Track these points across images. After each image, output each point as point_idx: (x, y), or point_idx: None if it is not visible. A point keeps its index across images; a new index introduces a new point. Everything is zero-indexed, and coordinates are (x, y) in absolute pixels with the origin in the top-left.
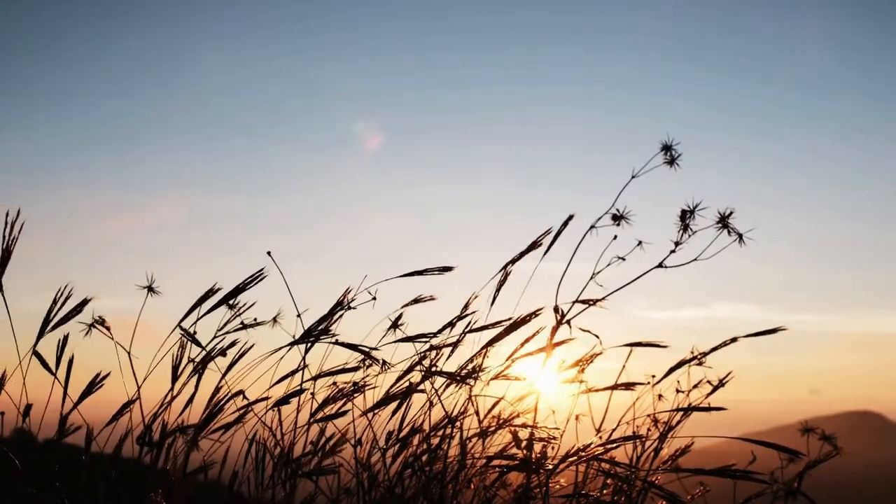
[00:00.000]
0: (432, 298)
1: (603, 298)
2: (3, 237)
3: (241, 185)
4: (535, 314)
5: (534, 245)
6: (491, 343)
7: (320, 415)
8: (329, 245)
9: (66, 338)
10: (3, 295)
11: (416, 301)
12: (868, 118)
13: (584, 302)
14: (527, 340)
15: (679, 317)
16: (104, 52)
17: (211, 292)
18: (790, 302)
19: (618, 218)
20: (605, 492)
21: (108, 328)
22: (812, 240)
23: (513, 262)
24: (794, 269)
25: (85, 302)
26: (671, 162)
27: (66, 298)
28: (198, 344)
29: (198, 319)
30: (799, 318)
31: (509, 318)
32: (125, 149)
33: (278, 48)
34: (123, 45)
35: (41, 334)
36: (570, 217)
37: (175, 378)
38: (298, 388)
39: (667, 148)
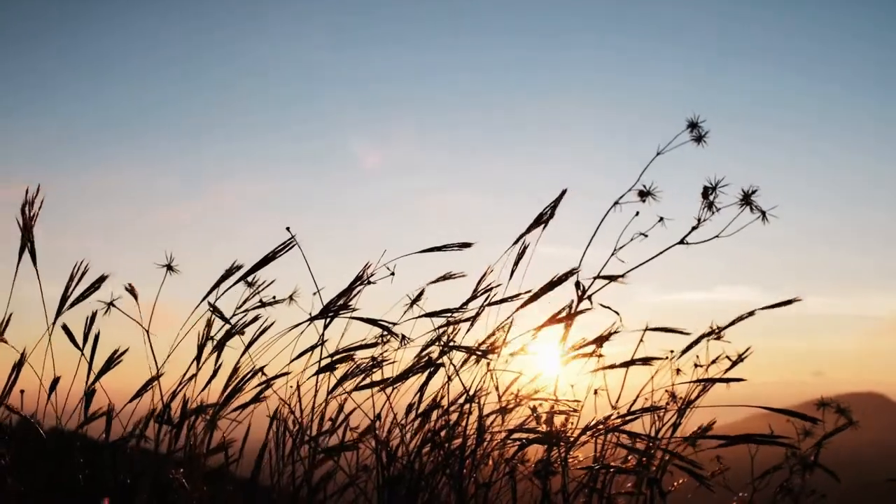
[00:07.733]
0: (463, 275)
1: (623, 275)
2: (25, 213)
3: (257, 170)
4: (564, 277)
5: (539, 218)
6: (521, 307)
7: (339, 391)
8: (347, 227)
9: (94, 314)
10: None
11: (445, 277)
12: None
13: (605, 277)
14: (551, 318)
15: (684, 299)
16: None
17: (234, 268)
18: (793, 285)
19: (644, 194)
20: (625, 465)
21: (135, 296)
22: (809, 223)
23: (522, 235)
24: (795, 254)
25: (102, 279)
26: (698, 139)
27: (83, 275)
28: (224, 318)
29: (218, 298)
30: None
31: (528, 291)
32: (150, 139)
33: (297, 37)
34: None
35: (60, 311)
36: (564, 191)
37: (200, 356)
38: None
39: (693, 125)
